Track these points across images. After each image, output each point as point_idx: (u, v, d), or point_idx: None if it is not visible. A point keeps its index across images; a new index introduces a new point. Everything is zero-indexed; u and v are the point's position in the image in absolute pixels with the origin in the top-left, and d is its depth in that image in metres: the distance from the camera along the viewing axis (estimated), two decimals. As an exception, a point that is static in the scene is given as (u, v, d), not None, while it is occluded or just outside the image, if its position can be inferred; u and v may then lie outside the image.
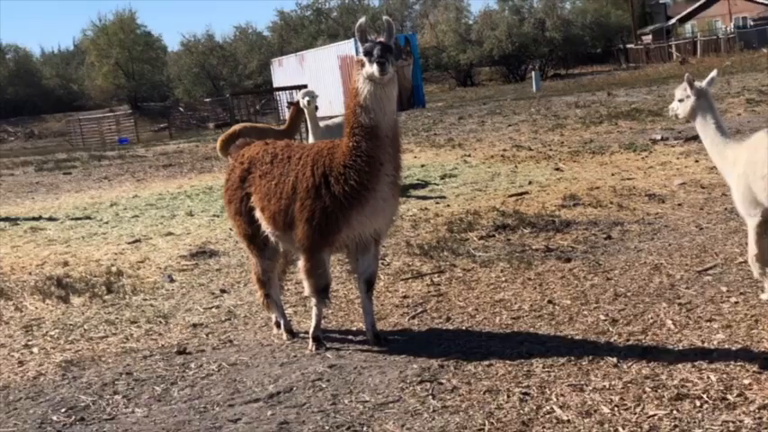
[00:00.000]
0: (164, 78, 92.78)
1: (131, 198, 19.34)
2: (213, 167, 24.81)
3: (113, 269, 11.46)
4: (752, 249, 6.95)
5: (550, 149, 20.07)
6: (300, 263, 7.29)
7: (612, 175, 15.27)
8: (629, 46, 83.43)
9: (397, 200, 7.29)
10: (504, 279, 9.22)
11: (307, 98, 15.51)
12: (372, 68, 6.46)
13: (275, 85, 65.73)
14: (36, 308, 9.92)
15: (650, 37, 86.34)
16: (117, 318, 9.18)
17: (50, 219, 17.06)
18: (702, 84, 7.42)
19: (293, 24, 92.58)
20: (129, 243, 13.42)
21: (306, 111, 15.66)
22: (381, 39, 6.70)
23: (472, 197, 14.63)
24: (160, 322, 8.86)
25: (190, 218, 15.36)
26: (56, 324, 9.12)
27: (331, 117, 19.08)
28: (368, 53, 6.55)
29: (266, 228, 7.54)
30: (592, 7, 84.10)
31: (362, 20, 6.73)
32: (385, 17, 6.79)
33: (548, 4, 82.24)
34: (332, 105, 54.69)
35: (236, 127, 17.45)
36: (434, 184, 16.55)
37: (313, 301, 7.38)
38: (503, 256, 10.24)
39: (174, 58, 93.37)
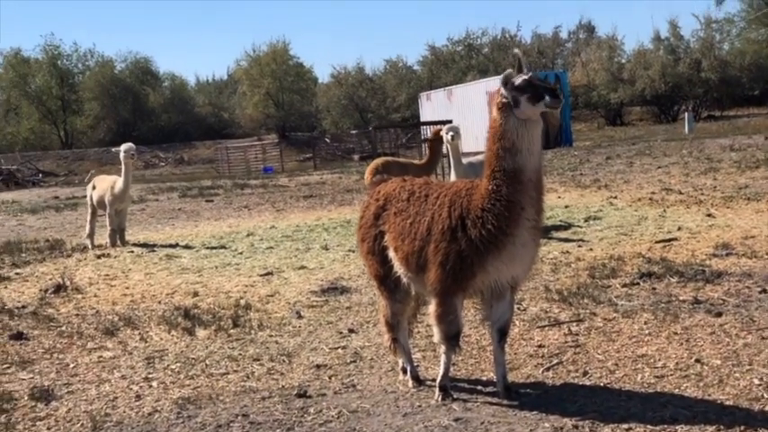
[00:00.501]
0: (312, 109, 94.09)
1: (268, 229, 19.20)
2: (353, 200, 24.59)
3: (242, 302, 11.22)
4: None
5: (702, 194, 19.08)
6: (431, 307, 6.84)
7: (769, 224, 14.28)
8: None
9: (538, 245, 6.73)
10: (647, 332, 8.55)
11: (450, 133, 15.18)
12: (540, 103, 6.16)
13: (423, 119, 65.72)
14: (161, 339, 9.77)
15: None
16: (240, 353, 8.90)
17: (186, 246, 17.06)
18: None
19: (444, 59, 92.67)
20: (261, 275, 13.19)
21: (449, 146, 15.30)
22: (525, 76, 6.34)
23: (617, 241, 13.88)
24: (283, 361, 8.53)
25: (324, 252, 15.08)
26: (178, 357, 8.92)
27: (475, 153, 18.64)
28: (526, 89, 6.22)
29: (398, 269, 7.11)
30: (751, 48, 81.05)
31: (518, 52, 6.66)
32: (515, 50, 6.58)
33: (704, 44, 79.82)
34: (478, 141, 53.90)
35: (378, 161, 17.20)
36: (577, 226, 15.84)
37: (442, 348, 6.91)
38: (647, 306, 9.55)
39: (324, 89, 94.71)
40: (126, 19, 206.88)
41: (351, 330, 9.56)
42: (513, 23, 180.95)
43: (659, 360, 7.60)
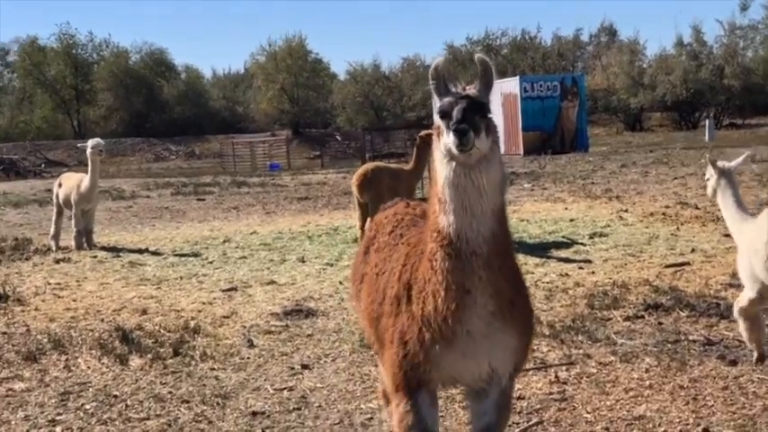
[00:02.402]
0: (327, 106, 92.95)
1: (249, 234, 18.01)
2: (349, 204, 23.30)
3: (192, 324, 10.02)
4: (743, 309, 7.66)
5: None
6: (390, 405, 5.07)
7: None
8: (813, 97, 78.59)
9: (518, 332, 4.61)
10: (648, 383, 7.31)
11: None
12: (448, 139, 4.24)
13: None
14: (88, 367, 8.62)
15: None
16: (170, 392, 7.72)
17: (155, 253, 15.87)
18: (728, 164, 8.16)
19: (461, 59, 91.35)
20: (224, 291, 12.02)
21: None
22: (470, 90, 4.50)
23: (622, 264, 12.54)
24: (216, 404, 7.35)
25: (300, 264, 13.88)
26: (98, 394, 7.77)
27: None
28: (445, 114, 4.38)
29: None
30: (776, 56, 79.68)
31: (440, 60, 4.65)
32: (478, 55, 4.59)
33: (728, 50, 78.16)
34: (490, 144, 52.97)
35: (368, 166, 15.95)
36: (581, 243, 14.44)
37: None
38: (650, 347, 8.32)
39: (339, 86, 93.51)
40: (142, 10, 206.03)
41: (304, 366, 8.31)
42: (534, 24, 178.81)
43: (659, 425, 6.39)
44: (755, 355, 7.71)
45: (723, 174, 8.09)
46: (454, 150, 4.19)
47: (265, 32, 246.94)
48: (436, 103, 4.53)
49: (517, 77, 49.84)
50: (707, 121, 55.63)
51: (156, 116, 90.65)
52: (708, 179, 8.38)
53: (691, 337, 8.58)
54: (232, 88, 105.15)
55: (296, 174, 41.21)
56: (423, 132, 15.99)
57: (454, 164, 4.29)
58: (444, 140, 4.27)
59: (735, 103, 76.12)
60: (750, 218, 7.76)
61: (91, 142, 16.47)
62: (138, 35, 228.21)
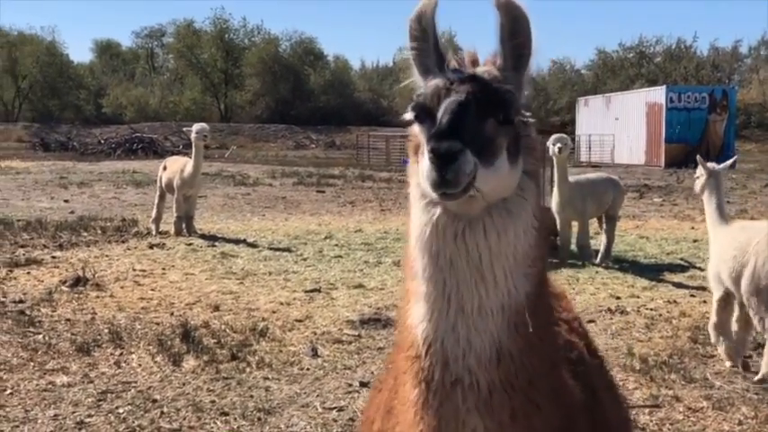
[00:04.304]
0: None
1: (353, 232, 17.51)
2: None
3: (261, 325, 9.45)
4: (712, 318, 8.32)
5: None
6: None
7: None
8: None
9: None
10: (738, 437, 6.43)
11: (558, 145, 13.21)
12: (423, 167, 2.68)
13: (578, 125, 63.32)
14: (139, 365, 8.20)
15: None
16: (213, 401, 7.22)
17: (252, 245, 15.52)
18: (717, 166, 8.66)
19: (612, 65, 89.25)
20: (307, 291, 11.47)
21: (555, 159, 13.27)
22: (482, 68, 2.93)
23: (741, 295, 11.40)
24: (256, 420, 6.77)
25: (395, 268, 13.22)
26: (137, 396, 7.32)
27: (596, 166, 16.47)
28: (422, 113, 2.83)
29: None
30: None
31: (427, 4, 2.96)
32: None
33: None
34: (631, 153, 51.36)
35: None
36: (698, 268, 13.25)
37: None
38: (751, 393, 7.43)
39: (402, 90, 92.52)
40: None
41: (363, 384, 7.64)
42: (691, 33, 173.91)
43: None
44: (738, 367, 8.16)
45: (712, 174, 8.59)
46: (429, 192, 2.65)
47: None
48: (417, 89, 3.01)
49: (663, 87, 48.11)
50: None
51: (301, 104, 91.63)
52: (697, 177, 8.87)
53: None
54: (379, 81, 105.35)
55: (427, 171, 40.59)
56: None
57: (437, 211, 2.78)
58: (420, 168, 2.72)
59: None
60: (726, 225, 8.35)
61: (196, 127, 16.21)
62: (289, 23, 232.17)
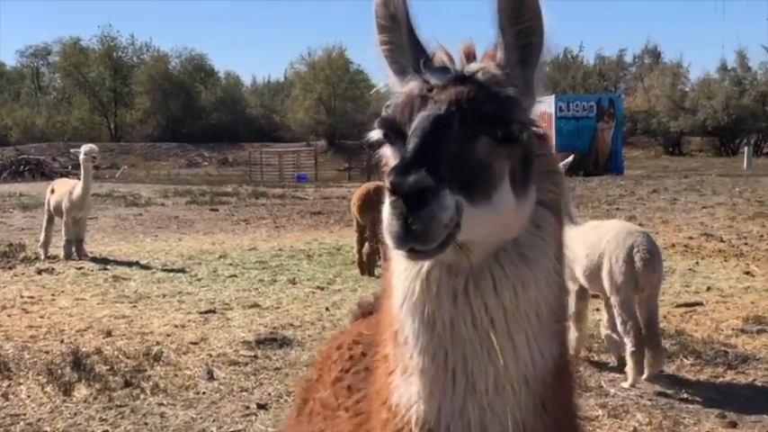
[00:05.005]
0: (365, 117, 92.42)
1: (247, 250, 17.34)
2: (362, 221, 22.69)
3: (155, 350, 9.24)
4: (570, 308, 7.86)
5: (745, 243, 16.79)
6: None
7: (817, 287, 11.99)
8: None
9: None
10: (632, 448, 6.52)
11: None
12: (383, 212, 2.07)
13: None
14: (27, 396, 7.97)
15: None
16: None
17: (145, 267, 15.22)
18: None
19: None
20: (202, 312, 11.29)
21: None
22: (476, 65, 2.35)
23: (631, 301, 11.63)
24: (152, 449, 6.51)
25: (290, 286, 13.19)
26: (26, 429, 7.21)
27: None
28: (390, 130, 2.33)
29: None
30: (822, 84, 78.35)
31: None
32: None
33: (773, 77, 77.16)
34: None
35: (370, 186, 15.12)
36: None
37: None
38: (645, 400, 7.56)
39: (377, 97, 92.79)
40: (185, 17, 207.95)
41: (261, 406, 7.57)
42: (577, 43, 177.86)
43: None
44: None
45: None
46: (392, 246, 2.09)
47: (309, 42, 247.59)
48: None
49: (552, 96, 48.97)
50: (746, 149, 54.44)
51: (193, 122, 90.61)
52: None
53: (690, 390, 7.80)
54: (270, 96, 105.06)
55: (320, 186, 40.61)
56: None
57: (427, 263, 2.26)
58: (383, 212, 2.08)
59: (776, 130, 74.93)
60: (576, 226, 8.47)
61: (84, 148, 15.83)
62: (179, 40, 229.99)
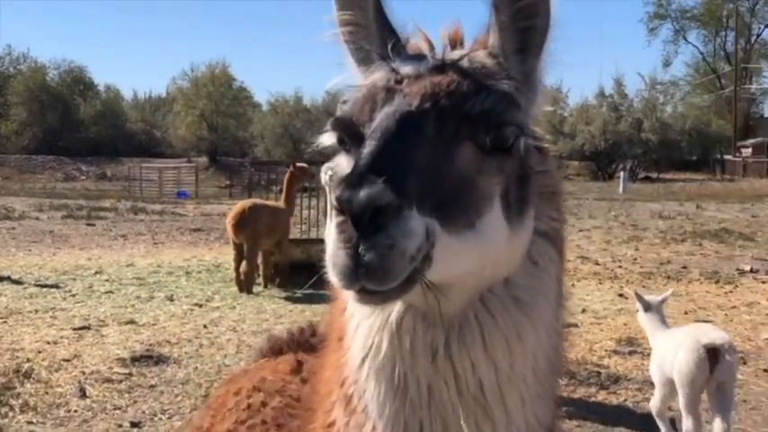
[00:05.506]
0: (247, 135, 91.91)
1: (124, 266, 16.98)
2: (243, 238, 22.52)
3: (25, 367, 8.97)
4: None
5: (620, 266, 17.24)
6: None
7: (686, 313, 12.45)
8: (726, 157, 79.75)
9: None
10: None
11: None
12: (329, 245, 1.63)
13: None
14: None
15: (750, 150, 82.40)
16: (-30, 450, 6.70)
17: (17, 282, 14.76)
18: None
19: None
20: (75, 329, 11.01)
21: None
22: (458, 52, 1.93)
23: (506, 322, 11.82)
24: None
25: (167, 303, 13.00)
26: None
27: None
28: (346, 134, 1.94)
29: None
30: (693, 113, 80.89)
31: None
32: None
33: (647, 105, 79.16)
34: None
35: (246, 203, 15.05)
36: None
37: None
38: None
39: (260, 116, 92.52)
40: (67, 28, 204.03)
41: (135, 424, 7.46)
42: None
43: None
44: None
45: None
46: (338, 285, 1.64)
47: (191, 58, 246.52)
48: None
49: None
50: (622, 174, 55.90)
51: (71, 134, 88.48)
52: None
53: (564, 410, 7.88)
54: (152, 111, 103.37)
55: (201, 203, 40.17)
56: (298, 164, 15.41)
57: (397, 309, 1.82)
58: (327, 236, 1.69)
59: (651, 156, 77.07)
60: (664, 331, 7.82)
61: None
62: (59, 52, 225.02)
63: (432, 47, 1.93)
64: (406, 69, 1.81)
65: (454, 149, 1.71)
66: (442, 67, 1.81)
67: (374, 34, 1.96)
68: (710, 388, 6.44)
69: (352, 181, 1.55)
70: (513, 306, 1.80)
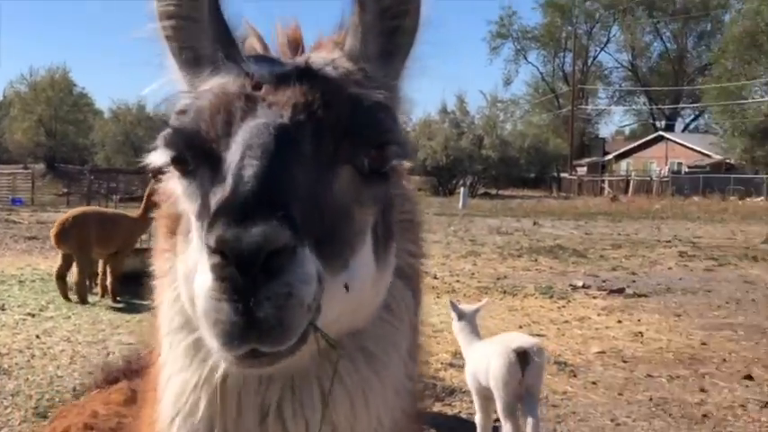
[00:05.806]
0: (87, 142, 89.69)
1: (-48, 277, 16.29)
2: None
3: None
4: None
5: (458, 281, 17.58)
6: None
7: (521, 327, 12.78)
8: (563, 175, 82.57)
9: None
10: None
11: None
12: (199, 289, 1.36)
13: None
14: None
15: (585, 169, 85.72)
16: None
17: None
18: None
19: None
20: None
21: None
22: (319, 55, 1.72)
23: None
24: None
25: (-1, 312, 12.49)
26: None
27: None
28: (187, 149, 1.63)
29: None
30: (532, 132, 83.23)
31: None
32: None
33: (488, 122, 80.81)
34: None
35: (74, 212, 14.65)
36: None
37: None
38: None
39: (101, 123, 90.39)
40: None
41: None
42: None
43: None
44: None
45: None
46: (217, 348, 1.38)
47: (30, 62, 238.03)
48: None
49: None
50: (462, 189, 57.01)
51: None
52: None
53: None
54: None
55: (37, 210, 38.96)
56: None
57: (224, 367, 1.55)
58: (194, 285, 1.41)
59: (491, 173, 78.81)
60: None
61: None
62: None
63: (267, 50, 1.71)
64: (264, 74, 1.52)
65: (332, 173, 1.47)
66: (307, 72, 1.54)
67: (207, 30, 1.63)
68: (521, 390, 6.84)
69: (239, 215, 1.25)
70: (361, 360, 1.59)
